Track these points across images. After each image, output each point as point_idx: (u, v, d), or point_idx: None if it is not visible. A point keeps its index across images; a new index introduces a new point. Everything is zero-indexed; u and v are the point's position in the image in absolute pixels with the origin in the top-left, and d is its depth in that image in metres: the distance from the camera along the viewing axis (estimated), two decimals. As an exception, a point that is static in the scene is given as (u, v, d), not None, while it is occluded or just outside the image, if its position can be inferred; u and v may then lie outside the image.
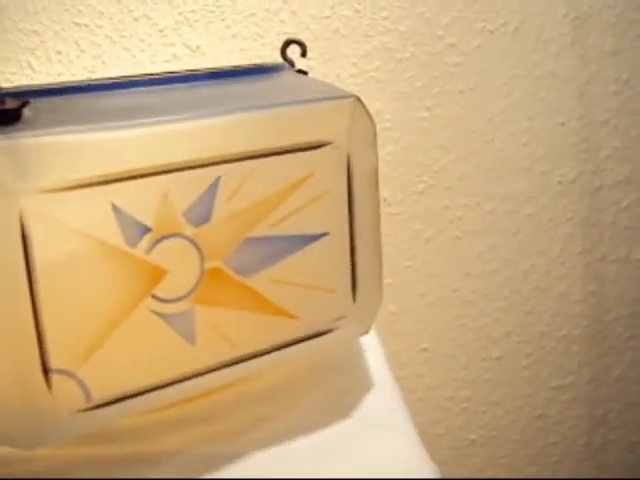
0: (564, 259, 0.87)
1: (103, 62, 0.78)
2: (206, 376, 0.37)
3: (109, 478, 0.39)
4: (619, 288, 0.88)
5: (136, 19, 0.77)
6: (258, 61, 0.78)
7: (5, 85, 0.76)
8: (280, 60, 0.50)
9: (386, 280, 0.83)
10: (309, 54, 0.79)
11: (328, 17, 0.78)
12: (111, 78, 0.40)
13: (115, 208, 0.33)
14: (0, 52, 0.76)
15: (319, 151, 0.38)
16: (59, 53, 0.77)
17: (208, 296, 0.36)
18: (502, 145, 0.83)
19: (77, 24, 0.77)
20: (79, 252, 0.32)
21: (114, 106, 0.36)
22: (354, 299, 0.41)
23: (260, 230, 0.37)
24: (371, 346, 0.52)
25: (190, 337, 0.36)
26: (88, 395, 0.34)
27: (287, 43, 0.51)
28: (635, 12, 0.81)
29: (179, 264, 0.35)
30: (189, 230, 0.35)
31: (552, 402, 0.90)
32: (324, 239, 0.39)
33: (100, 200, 0.32)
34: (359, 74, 0.79)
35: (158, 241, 0.34)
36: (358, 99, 0.40)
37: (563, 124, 0.83)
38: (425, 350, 0.86)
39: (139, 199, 0.33)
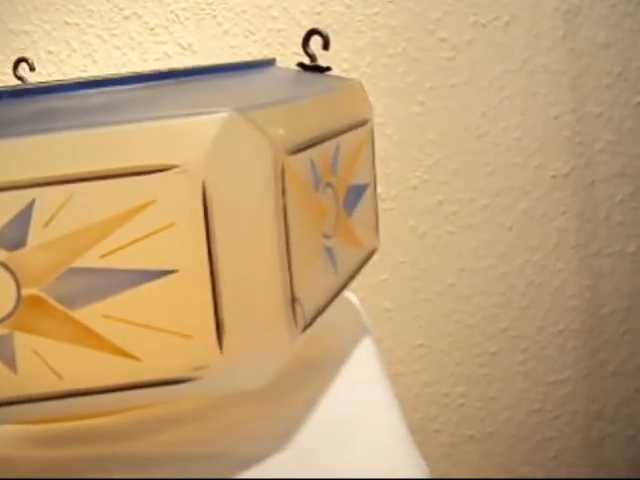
0: (559, 254, 0.87)
1: (94, 61, 0.78)
2: (30, 405, 0.34)
3: (92, 478, 0.38)
4: (615, 282, 0.88)
5: (127, 17, 0.77)
6: (249, 58, 0.78)
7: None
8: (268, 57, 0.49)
9: (381, 276, 0.83)
10: (300, 49, 0.78)
11: (319, 13, 0.78)
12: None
13: None
14: (-9, 53, 0.76)
15: (161, 176, 0.32)
16: (50, 53, 0.77)
17: (28, 324, 0.33)
18: (495, 140, 0.82)
19: (68, 23, 0.77)
20: None
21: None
22: (220, 348, 0.35)
23: (87, 260, 0.33)
24: (363, 343, 0.52)
25: (11, 363, 0.33)
26: None
27: (309, 34, 0.47)
28: (627, 4, 0.81)
29: None
30: (1, 254, 0.32)
31: (549, 397, 0.90)
32: (171, 277, 0.33)
33: None
34: (351, 70, 0.78)
35: None
36: (244, 116, 0.33)
37: (556, 118, 0.83)
38: (421, 346, 0.86)
39: None
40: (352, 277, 0.47)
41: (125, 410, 0.42)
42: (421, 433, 0.87)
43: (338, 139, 0.43)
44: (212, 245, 0.33)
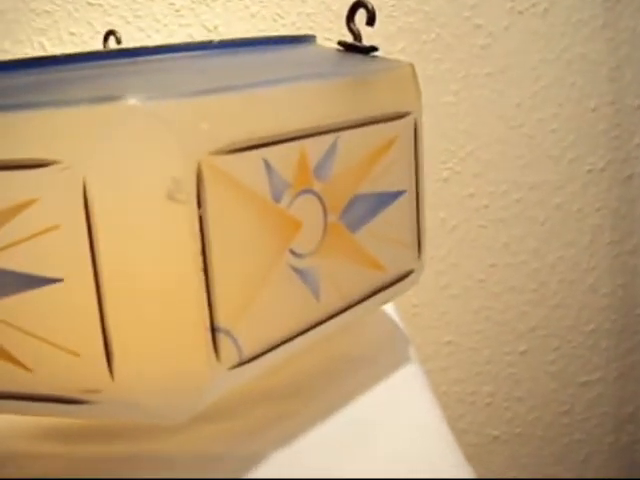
0: (593, 250, 0.84)
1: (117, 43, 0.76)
2: None
3: (110, 478, 0.36)
4: (649, 281, 0.86)
5: (152, -2, 0.75)
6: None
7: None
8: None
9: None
10: (331, 35, 0.76)
11: (351, -3, 0.75)
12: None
13: None
14: (12, 33, 0.74)
15: (42, 171, 0.28)
16: (72, 34, 0.75)
17: None
18: (530, 131, 0.80)
19: (90, 4, 0.75)
20: None
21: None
22: (111, 373, 0.30)
23: None
24: (399, 339, 0.50)
25: None
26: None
27: (354, 7, 0.42)
28: (670, -7, 0.79)
29: None
30: None
31: (579, 398, 0.88)
32: (56, 285, 0.30)
33: None
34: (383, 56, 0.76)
35: None
36: (143, 106, 0.28)
37: (594, 110, 0.81)
38: (448, 343, 0.84)
39: None
40: (361, 304, 0.40)
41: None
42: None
43: (334, 135, 0.36)
44: (96, 255, 0.29)
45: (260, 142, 0.32)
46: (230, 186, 0.31)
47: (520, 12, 0.77)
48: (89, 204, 0.28)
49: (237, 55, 0.37)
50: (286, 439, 0.38)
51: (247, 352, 0.33)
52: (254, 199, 0.32)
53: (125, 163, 0.29)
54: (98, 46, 0.76)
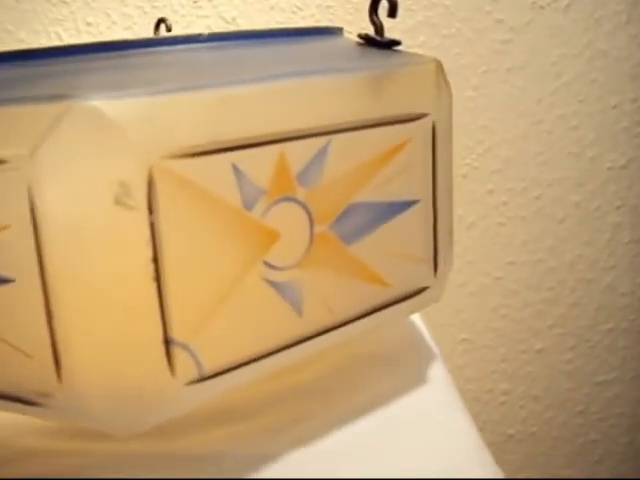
0: (612, 249, 0.83)
1: (134, 34, 0.75)
2: None
3: (117, 478, 0.36)
4: (668, 280, 0.85)
5: (170, -11, 0.74)
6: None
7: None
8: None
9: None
10: (351, 28, 0.75)
11: (371, -11, 0.75)
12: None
13: None
14: (28, 23, 0.74)
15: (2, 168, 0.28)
16: (89, 24, 0.74)
17: None
18: (550, 128, 0.79)
19: (108, -6, 0.74)
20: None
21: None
22: (59, 377, 0.30)
23: None
24: (422, 338, 0.49)
25: None
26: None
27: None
28: (695, -11, 0.77)
29: None
30: None
31: (594, 398, 0.87)
32: (8, 286, 0.29)
33: None
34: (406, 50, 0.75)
35: None
36: (91, 106, 0.27)
37: (615, 107, 0.80)
38: (464, 341, 0.83)
39: None
40: (359, 320, 0.37)
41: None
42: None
43: (326, 138, 0.34)
44: (43, 258, 0.28)
45: (228, 145, 0.31)
46: (189, 192, 0.30)
47: (542, 7, 0.76)
48: (34, 206, 0.28)
49: (230, 50, 0.35)
50: (306, 440, 0.38)
51: (209, 368, 0.32)
52: (218, 206, 0.31)
53: (72, 165, 0.28)
54: (115, 36, 0.75)
